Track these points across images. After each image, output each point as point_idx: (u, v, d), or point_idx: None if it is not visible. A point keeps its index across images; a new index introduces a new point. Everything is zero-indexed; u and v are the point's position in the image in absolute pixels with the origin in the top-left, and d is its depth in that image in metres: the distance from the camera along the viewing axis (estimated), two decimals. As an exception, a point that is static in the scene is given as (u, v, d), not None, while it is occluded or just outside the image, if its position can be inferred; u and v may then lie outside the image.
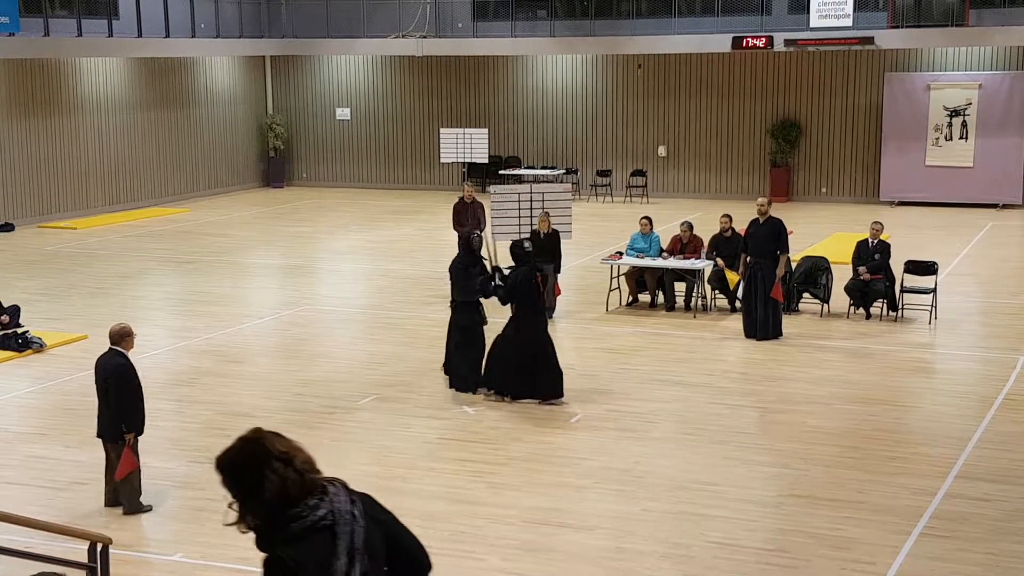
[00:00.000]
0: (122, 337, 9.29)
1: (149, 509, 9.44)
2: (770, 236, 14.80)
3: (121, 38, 25.50)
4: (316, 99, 31.76)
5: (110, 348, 9.31)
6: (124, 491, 9.38)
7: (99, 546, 7.41)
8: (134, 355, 9.57)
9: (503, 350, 12.28)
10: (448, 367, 12.92)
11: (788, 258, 15.08)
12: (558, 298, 16.04)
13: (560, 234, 15.80)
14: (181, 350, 14.61)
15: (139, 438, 9.36)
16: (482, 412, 12.00)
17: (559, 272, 15.82)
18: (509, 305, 12.28)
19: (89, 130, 26.44)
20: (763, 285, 14.73)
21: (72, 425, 11.72)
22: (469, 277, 12.58)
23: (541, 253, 15.61)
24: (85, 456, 10.79)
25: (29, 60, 24.58)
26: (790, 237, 15.36)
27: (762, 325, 14.83)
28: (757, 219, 14.97)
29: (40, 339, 14.68)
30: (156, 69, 28.10)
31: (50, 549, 8.01)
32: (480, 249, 12.94)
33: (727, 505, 9.53)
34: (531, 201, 16.79)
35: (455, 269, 12.76)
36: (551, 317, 15.78)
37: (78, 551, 7.71)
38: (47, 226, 24.79)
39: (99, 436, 9.46)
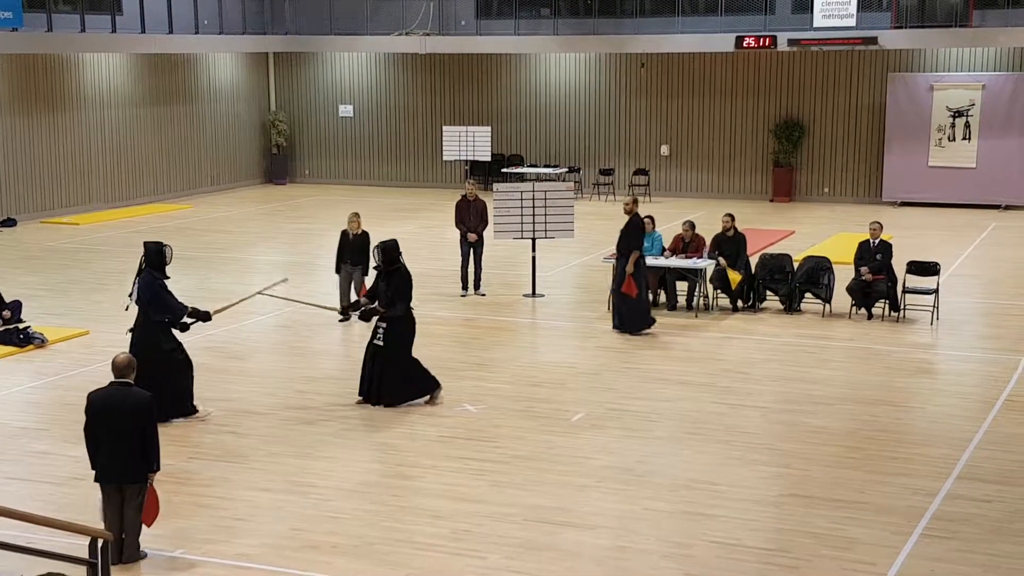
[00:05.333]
0: (133, 368, 8.42)
1: (145, 556, 8.50)
2: (627, 233, 15.07)
3: (124, 34, 25.49)
4: (319, 96, 31.76)
5: (117, 382, 8.37)
6: (135, 537, 8.46)
7: (100, 542, 7.40)
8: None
9: (390, 358, 11.99)
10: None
11: (641, 255, 15.06)
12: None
13: (369, 236, 15.74)
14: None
15: None
16: (484, 411, 12.00)
17: (366, 275, 15.71)
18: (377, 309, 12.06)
19: (92, 126, 26.44)
20: (619, 281, 15.05)
21: (73, 421, 11.69)
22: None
23: (351, 254, 15.60)
24: (85, 452, 10.78)
25: (32, 56, 24.58)
26: (790, 238, 15.40)
27: (618, 318, 15.19)
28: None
29: (42, 334, 14.69)
30: (159, 65, 28.10)
31: (51, 544, 8.01)
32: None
33: (728, 505, 9.53)
34: (534, 200, 16.81)
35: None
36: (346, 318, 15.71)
37: (79, 547, 7.71)
38: (49, 222, 24.80)
39: (111, 481, 8.34)
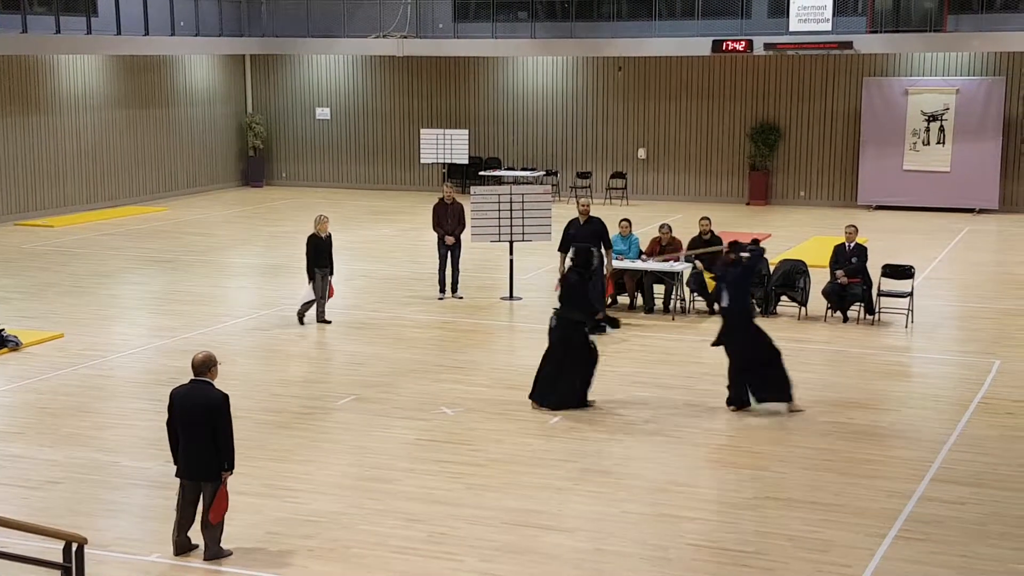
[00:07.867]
0: (209, 366, 8.47)
1: (230, 554, 8.61)
2: (592, 235, 15.42)
3: (100, 35, 25.36)
4: (296, 98, 31.68)
5: (196, 380, 8.46)
6: (213, 534, 8.56)
7: (74, 546, 7.37)
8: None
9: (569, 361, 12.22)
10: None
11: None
12: (331, 299, 16.02)
13: (331, 237, 15.82)
14: (159, 349, 14.54)
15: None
16: (461, 413, 12.00)
17: (332, 275, 15.88)
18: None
19: (67, 128, 26.29)
20: None
21: (47, 424, 11.66)
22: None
23: (319, 256, 15.62)
24: (60, 455, 10.74)
25: (6, 57, 24.42)
26: (766, 241, 15.48)
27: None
28: (577, 219, 15.88)
29: (16, 337, 14.59)
30: (135, 67, 27.97)
31: (25, 549, 7.96)
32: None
33: (705, 507, 9.56)
34: (511, 203, 16.82)
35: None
36: (328, 321, 15.80)
37: (53, 551, 7.67)
38: (24, 224, 24.64)
39: (190, 478, 8.48)
